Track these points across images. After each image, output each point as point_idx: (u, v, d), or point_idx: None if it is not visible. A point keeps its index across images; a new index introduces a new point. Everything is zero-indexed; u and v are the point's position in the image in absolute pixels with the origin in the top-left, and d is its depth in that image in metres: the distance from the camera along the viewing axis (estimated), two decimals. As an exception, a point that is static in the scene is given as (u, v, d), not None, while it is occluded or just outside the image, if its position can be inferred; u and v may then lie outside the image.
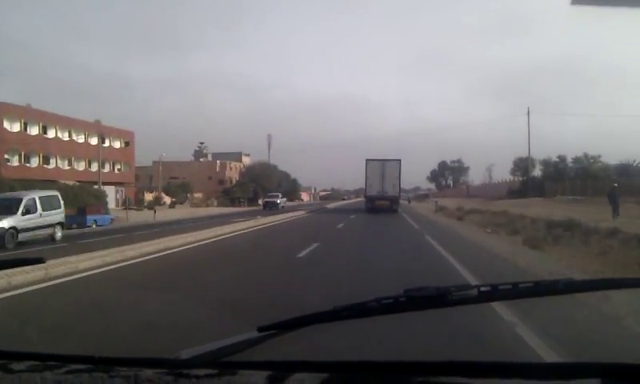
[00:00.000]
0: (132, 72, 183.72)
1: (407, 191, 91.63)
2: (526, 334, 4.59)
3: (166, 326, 5.04)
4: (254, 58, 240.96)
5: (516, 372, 1.01)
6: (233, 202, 71.04)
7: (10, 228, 17.03)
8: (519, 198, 48.04)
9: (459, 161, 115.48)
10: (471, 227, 21.23)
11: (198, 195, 73.87)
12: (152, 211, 40.55)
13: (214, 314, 5.58)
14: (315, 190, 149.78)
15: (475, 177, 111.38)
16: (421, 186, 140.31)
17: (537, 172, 62.38)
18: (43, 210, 18.90)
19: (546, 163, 61.66)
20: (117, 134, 59.47)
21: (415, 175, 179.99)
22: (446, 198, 74.59)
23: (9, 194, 20.95)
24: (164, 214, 42.80)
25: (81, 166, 53.60)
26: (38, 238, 18.67)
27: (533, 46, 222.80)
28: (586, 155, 59.07)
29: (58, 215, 20.21)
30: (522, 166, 63.15)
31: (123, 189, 55.41)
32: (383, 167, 37.39)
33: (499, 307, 5.10)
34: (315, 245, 13.48)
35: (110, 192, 47.87)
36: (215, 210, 55.48)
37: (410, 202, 66.08)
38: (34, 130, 47.53)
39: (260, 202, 63.09)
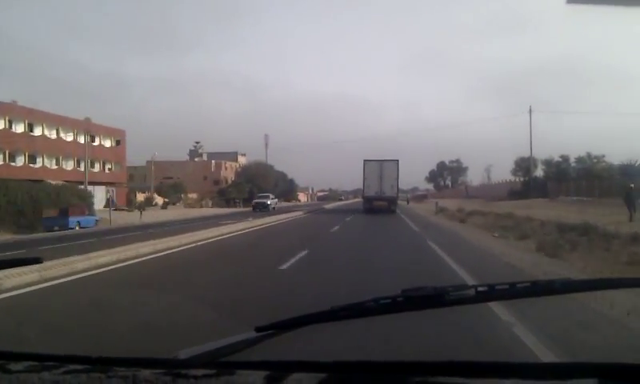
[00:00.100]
0: (128, 71, 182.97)
1: (405, 192, 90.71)
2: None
3: None
4: (251, 57, 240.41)
5: (513, 372, 1.00)
6: (228, 202, 69.70)
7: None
8: (521, 199, 46.77)
9: (458, 161, 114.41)
10: (476, 231, 19.79)
11: (193, 195, 72.48)
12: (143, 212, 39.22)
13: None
14: (313, 190, 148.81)
15: (474, 177, 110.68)
16: (419, 187, 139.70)
17: (539, 172, 61.13)
18: None
19: (548, 163, 60.32)
20: (107, 132, 57.90)
21: (413, 175, 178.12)
22: (444, 198, 73.44)
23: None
24: (154, 215, 41.34)
25: (69, 165, 52.00)
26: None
27: (531, 46, 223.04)
28: (589, 155, 57.78)
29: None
30: (524, 166, 61.81)
31: (114, 189, 53.84)
32: (381, 168, 37.04)
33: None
34: (303, 253, 11.95)
35: (100, 192, 46.23)
36: (209, 211, 54.31)
37: (408, 202, 65.15)
38: (19, 128, 45.95)
39: (256, 202, 61.63)
